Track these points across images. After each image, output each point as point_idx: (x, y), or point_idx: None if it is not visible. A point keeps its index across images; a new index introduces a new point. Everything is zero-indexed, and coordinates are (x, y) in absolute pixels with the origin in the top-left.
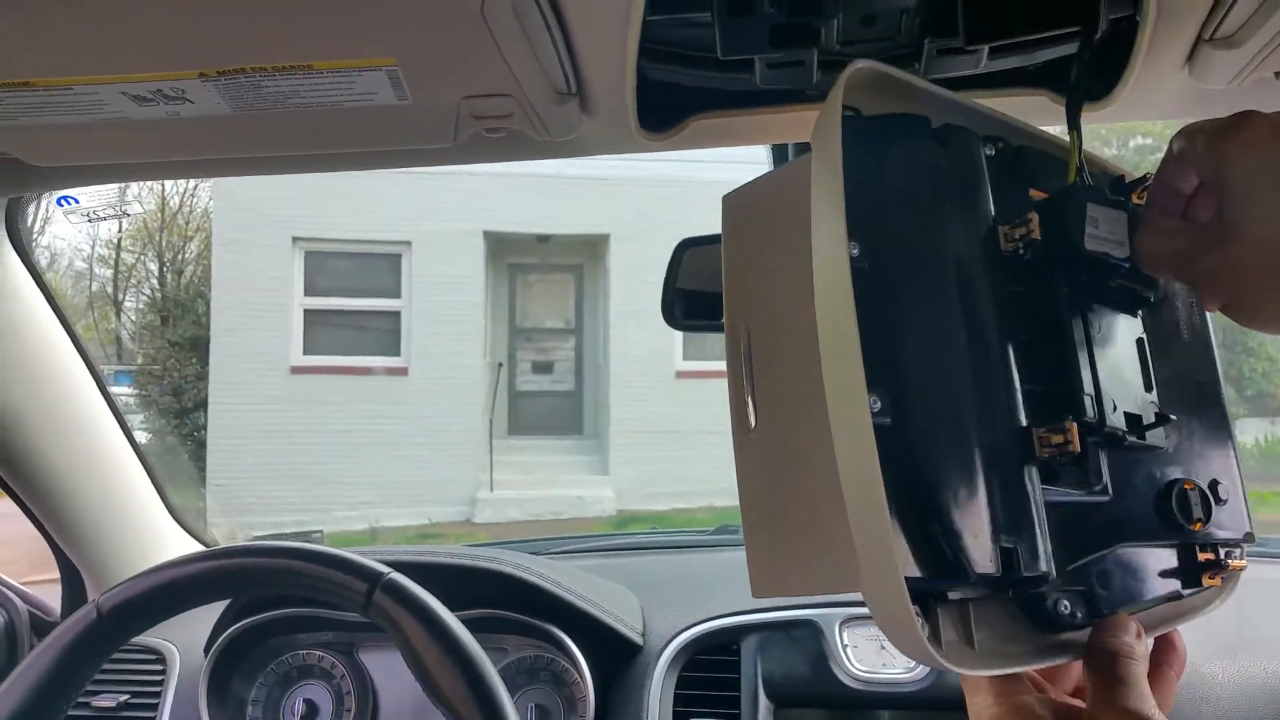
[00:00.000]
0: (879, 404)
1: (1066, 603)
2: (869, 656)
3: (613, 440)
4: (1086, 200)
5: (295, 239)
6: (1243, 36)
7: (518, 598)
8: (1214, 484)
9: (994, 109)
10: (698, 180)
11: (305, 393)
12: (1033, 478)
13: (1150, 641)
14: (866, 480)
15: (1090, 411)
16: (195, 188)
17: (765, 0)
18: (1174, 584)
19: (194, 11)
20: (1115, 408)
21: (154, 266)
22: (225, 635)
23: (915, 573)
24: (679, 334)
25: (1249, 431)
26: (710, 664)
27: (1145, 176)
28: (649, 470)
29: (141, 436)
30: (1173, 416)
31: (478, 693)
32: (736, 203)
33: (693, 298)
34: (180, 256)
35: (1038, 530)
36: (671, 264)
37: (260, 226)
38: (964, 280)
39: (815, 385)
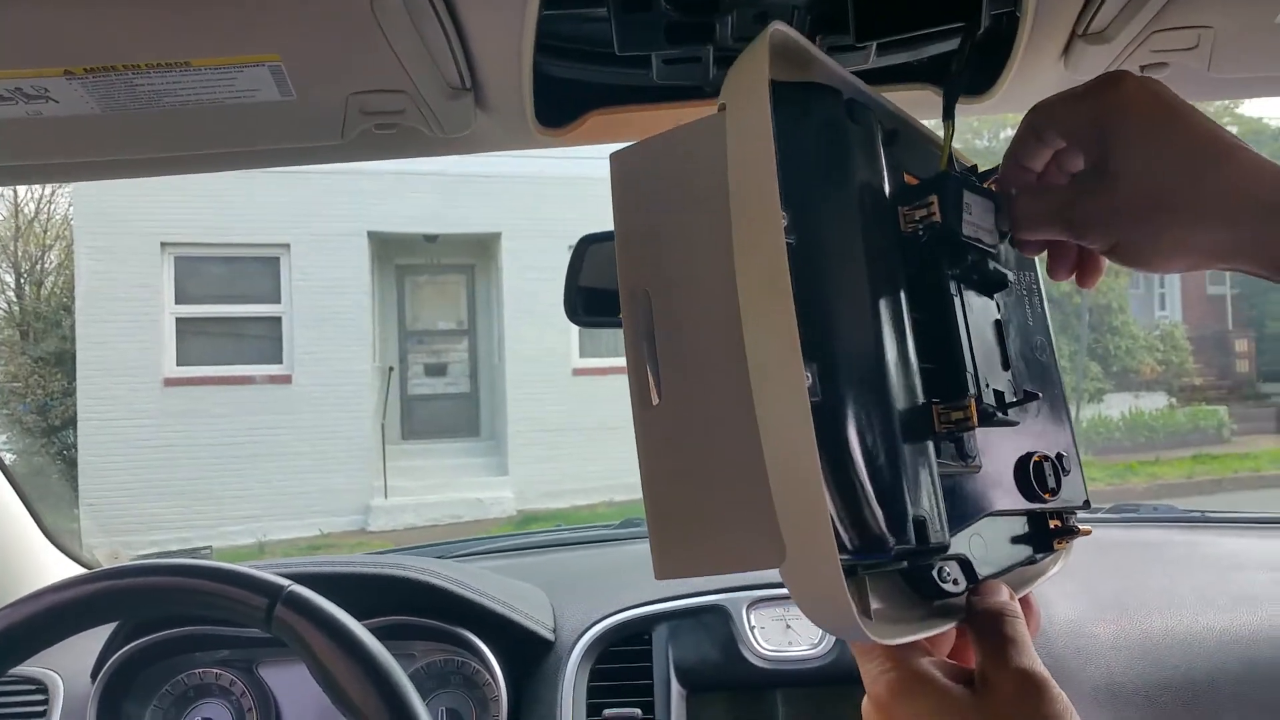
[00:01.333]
0: (810, 379)
1: (948, 570)
2: (775, 636)
3: (510, 440)
4: (962, 187)
5: (164, 244)
6: (1112, 32)
7: (424, 602)
8: (1059, 456)
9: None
10: (589, 178)
11: (181, 405)
12: (930, 451)
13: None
14: (800, 458)
15: (972, 389)
16: (53, 192)
17: None
18: (1028, 549)
19: (58, 5)
20: (988, 385)
21: (9, 278)
22: (114, 659)
23: (844, 546)
24: (575, 332)
25: (1115, 406)
26: (623, 655)
27: (997, 168)
28: (548, 469)
29: (6, 457)
30: (1039, 394)
31: (389, 701)
32: (628, 161)
33: (595, 294)
34: (39, 267)
35: (937, 500)
36: (573, 261)
37: (125, 232)
38: (873, 257)
39: (728, 356)
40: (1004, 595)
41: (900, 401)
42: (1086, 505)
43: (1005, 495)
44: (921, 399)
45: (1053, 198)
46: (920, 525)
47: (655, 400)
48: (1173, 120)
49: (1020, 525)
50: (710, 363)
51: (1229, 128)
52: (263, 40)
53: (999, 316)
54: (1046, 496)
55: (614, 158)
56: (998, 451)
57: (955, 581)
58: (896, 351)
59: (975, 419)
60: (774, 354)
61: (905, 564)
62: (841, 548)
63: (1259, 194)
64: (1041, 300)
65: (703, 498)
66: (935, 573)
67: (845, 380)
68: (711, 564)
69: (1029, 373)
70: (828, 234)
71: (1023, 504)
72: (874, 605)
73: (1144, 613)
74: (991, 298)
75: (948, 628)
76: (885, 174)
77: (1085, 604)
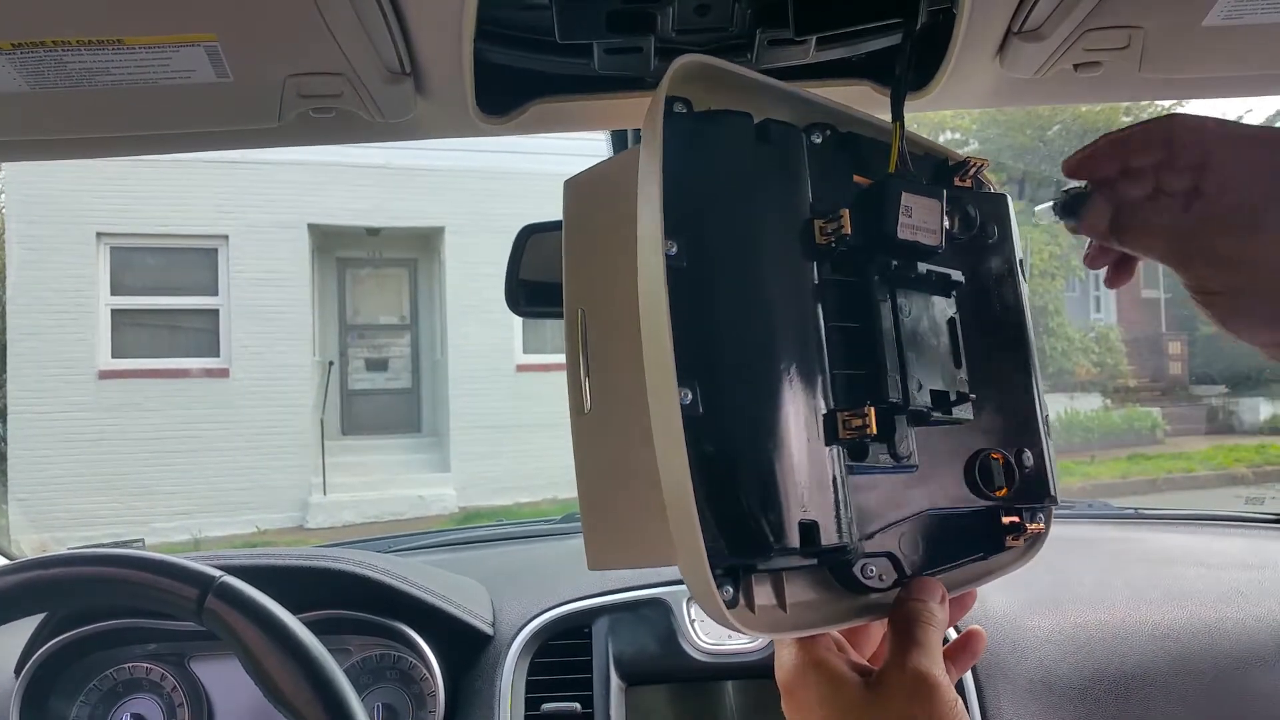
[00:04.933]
0: (690, 396)
1: (873, 568)
2: (716, 629)
3: (453, 437)
4: (901, 189)
5: (100, 234)
6: (1046, 30)
7: (360, 596)
8: (1020, 452)
9: (823, 97)
10: (534, 173)
11: (116, 398)
12: (835, 457)
13: (947, 606)
14: (676, 467)
15: (895, 392)
16: None
17: None
18: (978, 547)
19: None
20: (921, 386)
21: None
22: (39, 653)
23: (724, 548)
24: (519, 327)
25: (1051, 407)
26: (562, 649)
27: (966, 160)
28: (491, 465)
29: None
30: (972, 395)
31: (323, 695)
32: (578, 187)
33: (536, 284)
34: None
35: (839, 504)
36: (514, 250)
37: (61, 221)
38: (780, 274)
39: (637, 373)
40: (931, 596)
41: (799, 412)
42: (1052, 502)
43: (948, 493)
44: (825, 408)
45: (1163, 219)
46: (807, 529)
47: (587, 407)
48: None
49: (973, 522)
50: (627, 378)
51: None
52: (199, 19)
53: (953, 314)
54: (998, 494)
55: (567, 184)
56: (945, 450)
57: (880, 578)
58: (795, 364)
59: (874, 426)
60: (654, 373)
61: (814, 561)
62: (726, 549)
63: None
64: (1016, 293)
65: (626, 498)
66: (859, 570)
67: (728, 396)
68: (635, 558)
69: (995, 368)
70: (723, 256)
71: (971, 501)
72: (790, 599)
73: (1078, 607)
74: (948, 296)
75: (862, 622)
76: (807, 188)
77: (1021, 598)
